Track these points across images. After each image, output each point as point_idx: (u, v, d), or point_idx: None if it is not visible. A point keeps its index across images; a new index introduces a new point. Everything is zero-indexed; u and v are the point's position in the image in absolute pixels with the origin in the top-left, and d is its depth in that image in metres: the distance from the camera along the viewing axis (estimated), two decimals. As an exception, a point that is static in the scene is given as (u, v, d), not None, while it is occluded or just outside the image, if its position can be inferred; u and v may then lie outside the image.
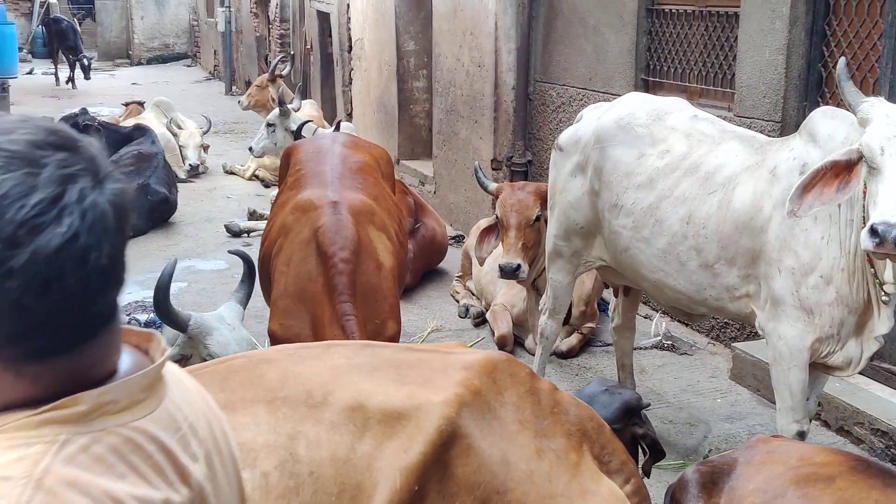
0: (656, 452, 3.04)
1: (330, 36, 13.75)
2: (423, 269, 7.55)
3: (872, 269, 3.54)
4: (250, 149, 9.55)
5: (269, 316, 4.26)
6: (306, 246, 4.11)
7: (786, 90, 5.42)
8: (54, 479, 1.07)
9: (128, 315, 6.50)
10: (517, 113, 8.04)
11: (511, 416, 2.19)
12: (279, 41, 16.66)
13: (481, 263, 6.18)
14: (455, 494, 2.06)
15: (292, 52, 14.95)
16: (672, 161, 4.19)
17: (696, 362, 6.00)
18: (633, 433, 2.94)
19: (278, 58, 13.83)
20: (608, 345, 5.96)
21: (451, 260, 7.86)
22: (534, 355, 5.40)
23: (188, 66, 25.55)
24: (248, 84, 14.75)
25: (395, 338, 4.17)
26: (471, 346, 5.52)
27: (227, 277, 7.54)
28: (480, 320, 6.68)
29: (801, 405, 3.84)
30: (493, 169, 8.23)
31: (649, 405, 3.26)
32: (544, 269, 5.11)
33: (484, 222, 6.14)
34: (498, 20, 8.09)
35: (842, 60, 3.65)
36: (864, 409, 4.80)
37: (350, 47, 12.52)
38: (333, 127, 9.12)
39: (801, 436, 3.83)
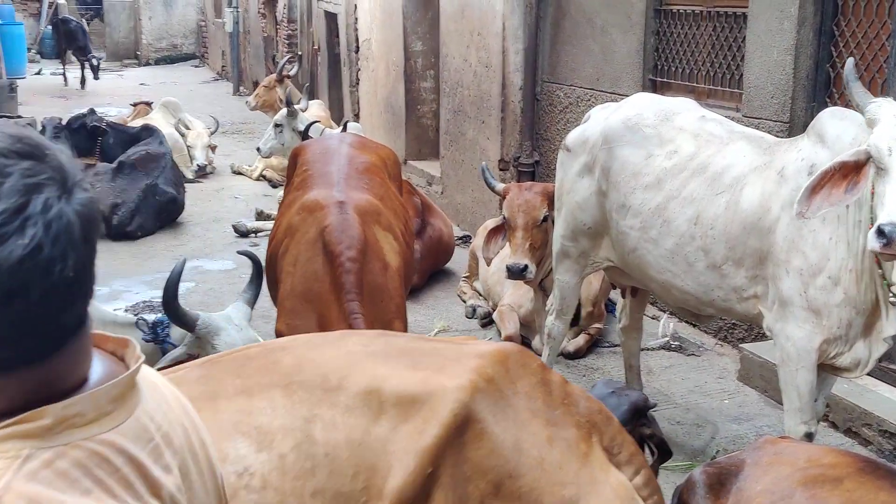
0: (664, 453, 3.04)
1: (337, 36, 13.77)
2: (430, 270, 7.56)
3: (880, 270, 3.53)
4: (258, 149, 9.58)
5: (276, 316, 4.27)
6: (313, 246, 4.12)
7: (794, 91, 5.41)
8: (14, 497, 1.05)
9: (135, 315, 6.51)
10: (524, 113, 8.04)
11: (523, 404, 2.20)
12: (287, 42, 16.68)
13: (488, 264, 6.18)
14: (469, 478, 2.08)
15: (300, 53, 14.97)
16: (680, 161, 4.18)
17: (704, 363, 5.99)
18: (640, 434, 2.94)
19: (286, 58, 13.84)
20: (615, 346, 5.96)
21: (458, 260, 7.86)
22: (541, 356, 5.40)
23: (196, 66, 25.60)
24: (256, 84, 14.76)
25: (401, 338, 4.17)
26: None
27: (235, 277, 7.55)
28: (487, 321, 6.67)
29: (808, 406, 3.83)
30: (501, 169, 8.23)
31: (656, 406, 3.26)
32: (551, 269, 5.10)
33: (491, 223, 6.14)
34: (505, 20, 8.09)
35: (850, 61, 3.64)
36: (872, 411, 4.79)
37: (357, 48, 12.53)
38: (341, 127, 9.13)
39: (809, 437, 3.82)
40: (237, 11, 19.62)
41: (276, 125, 9.23)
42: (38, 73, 22.78)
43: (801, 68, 5.39)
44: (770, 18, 5.51)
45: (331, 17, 14.09)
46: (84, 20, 24.19)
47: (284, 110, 9.24)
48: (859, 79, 3.62)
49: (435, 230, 7.64)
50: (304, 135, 8.40)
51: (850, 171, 3.38)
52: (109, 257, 8.24)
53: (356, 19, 12.48)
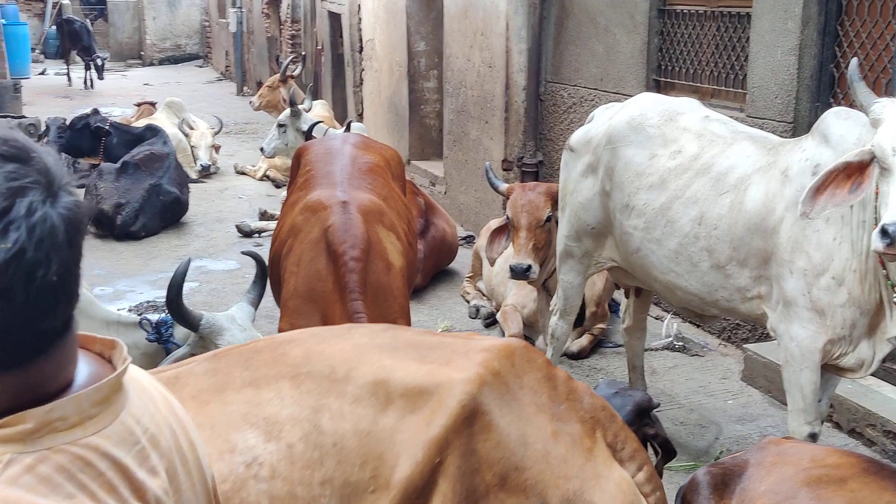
0: (667, 453, 3.03)
1: (341, 36, 13.78)
2: (433, 270, 7.56)
3: (884, 271, 3.52)
4: (261, 149, 9.58)
5: (279, 316, 4.27)
6: (316, 245, 4.12)
7: (798, 91, 5.41)
8: None
9: (139, 314, 6.52)
10: (528, 113, 8.04)
11: (529, 398, 2.22)
12: (290, 42, 16.70)
13: (492, 264, 6.18)
14: (476, 469, 2.09)
15: (303, 53, 14.97)
16: (684, 161, 4.18)
17: (708, 364, 5.99)
18: (644, 434, 2.94)
19: (289, 58, 13.85)
20: (619, 346, 5.95)
21: (462, 260, 7.87)
22: (544, 356, 5.40)
23: (200, 66, 25.63)
24: (260, 85, 14.78)
25: (404, 338, 4.17)
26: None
27: (238, 277, 7.56)
28: (491, 321, 6.67)
29: (812, 407, 3.82)
30: (504, 169, 8.23)
31: (660, 406, 3.26)
32: (555, 269, 5.10)
33: (495, 223, 6.14)
34: (509, 20, 8.09)
35: (854, 61, 3.63)
36: (876, 411, 4.79)
37: (361, 48, 12.53)
38: (344, 127, 9.13)
39: (813, 437, 3.82)
40: (241, 12, 19.64)
41: (280, 125, 9.24)
42: (43, 73, 22.82)
43: (805, 68, 5.39)
44: (774, 18, 5.51)
45: (334, 18, 14.10)
46: (88, 20, 24.23)
47: (288, 110, 9.25)
48: (863, 79, 3.61)
49: (438, 230, 7.64)
50: (308, 135, 8.40)
51: (854, 171, 3.38)
52: (113, 257, 8.26)
53: (360, 19, 12.48)
